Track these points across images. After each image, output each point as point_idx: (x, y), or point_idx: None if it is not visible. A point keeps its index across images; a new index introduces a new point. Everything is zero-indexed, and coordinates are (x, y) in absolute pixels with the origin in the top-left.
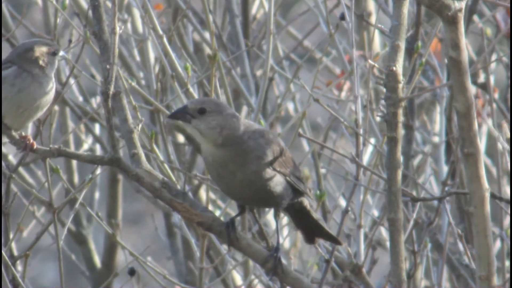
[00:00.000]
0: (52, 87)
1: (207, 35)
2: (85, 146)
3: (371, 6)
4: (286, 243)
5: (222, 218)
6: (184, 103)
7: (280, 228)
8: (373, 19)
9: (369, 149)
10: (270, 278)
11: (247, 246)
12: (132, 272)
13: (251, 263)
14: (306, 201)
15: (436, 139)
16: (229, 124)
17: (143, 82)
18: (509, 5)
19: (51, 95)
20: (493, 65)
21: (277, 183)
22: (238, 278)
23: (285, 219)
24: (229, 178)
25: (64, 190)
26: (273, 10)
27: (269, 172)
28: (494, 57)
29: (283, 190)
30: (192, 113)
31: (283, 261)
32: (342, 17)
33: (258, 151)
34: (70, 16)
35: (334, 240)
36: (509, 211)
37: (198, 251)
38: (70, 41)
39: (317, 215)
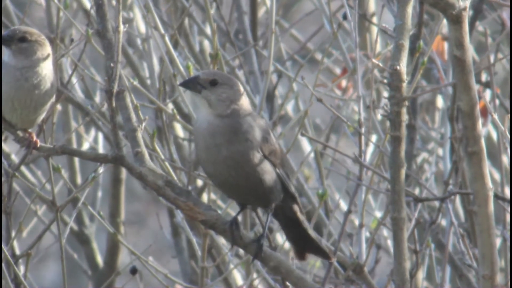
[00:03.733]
0: (43, 80)
1: (208, 30)
2: (86, 145)
3: (372, 6)
4: (286, 244)
5: None
6: (187, 102)
7: (270, 220)
8: (373, 19)
9: (370, 148)
10: (251, 262)
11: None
12: (134, 271)
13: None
14: (297, 208)
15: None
16: (237, 99)
17: (148, 81)
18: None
19: (46, 89)
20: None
21: (266, 171)
22: (239, 277)
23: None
24: (214, 153)
25: (66, 190)
26: (275, 9)
27: (257, 156)
28: (498, 56)
29: (272, 181)
30: (203, 84)
31: (285, 259)
32: (345, 17)
33: (248, 133)
34: (73, 15)
35: (324, 255)
36: (509, 210)
37: (200, 250)
38: (72, 39)
39: (308, 225)
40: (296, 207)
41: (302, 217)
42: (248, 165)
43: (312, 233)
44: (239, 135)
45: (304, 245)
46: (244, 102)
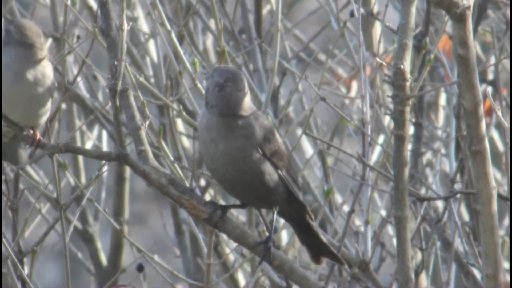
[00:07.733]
0: (42, 78)
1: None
2: (90, 143)
3: (375, 6)
4: (289, 244)
5: None
6: (192, 99)
7: (276, 220)
8: (376, 20)
9: (375, 149)
10: (258, 264)
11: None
12: (140, 268)
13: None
14: (305, 214)
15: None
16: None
17: (152, 80)
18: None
19: (44, 87)
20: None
21: (266, 171)
22: (245, 275)
23: (281, 221)
24: (212, 147)
25: (69, 189)
26: (281, 7)
27: (256, 155)
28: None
29: (272, 183)
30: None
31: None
32: (352, 14)
33: (246, 130)
34: (79, 12)
35: (338, 260)
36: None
37: (206, 247)
38: (78, 36)
39: (319, 231)
40: (304, 213)
41: (312, 223)
42: (245, 163)
43: (323, 238)
44: (236, 131)
45: (318, 249)
46: (246, 101)
